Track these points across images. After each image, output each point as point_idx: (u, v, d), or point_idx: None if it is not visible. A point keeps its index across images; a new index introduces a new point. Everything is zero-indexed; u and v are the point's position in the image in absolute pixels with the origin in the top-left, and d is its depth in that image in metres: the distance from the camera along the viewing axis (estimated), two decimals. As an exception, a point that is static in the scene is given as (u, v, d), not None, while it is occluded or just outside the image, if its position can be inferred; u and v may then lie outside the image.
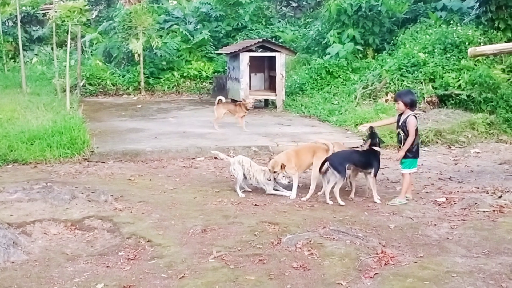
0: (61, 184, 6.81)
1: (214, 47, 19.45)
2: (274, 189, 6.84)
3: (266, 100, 15.14)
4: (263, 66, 15.49)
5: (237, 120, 11.16)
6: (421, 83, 12.49)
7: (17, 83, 15.41)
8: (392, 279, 4.28)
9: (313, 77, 15.19)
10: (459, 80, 12.11)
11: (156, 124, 11.87)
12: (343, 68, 15.21)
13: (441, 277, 4.29)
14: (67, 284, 4.27)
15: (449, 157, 9.17)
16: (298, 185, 6.90)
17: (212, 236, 5.26)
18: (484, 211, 6.03)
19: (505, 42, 12.25)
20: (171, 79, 18.36)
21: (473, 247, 5.00)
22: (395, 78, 12.97)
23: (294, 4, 24.86)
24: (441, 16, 15.30)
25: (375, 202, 6.45)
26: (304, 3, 24.56)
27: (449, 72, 12.46)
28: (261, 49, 15.04)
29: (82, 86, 16.40)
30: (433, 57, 13.10)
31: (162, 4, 23.07)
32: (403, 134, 6.40)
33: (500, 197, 6.59)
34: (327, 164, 6.41)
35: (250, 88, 14.51)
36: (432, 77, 12.60)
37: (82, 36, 18.72)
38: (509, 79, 12.14)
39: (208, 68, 18.93)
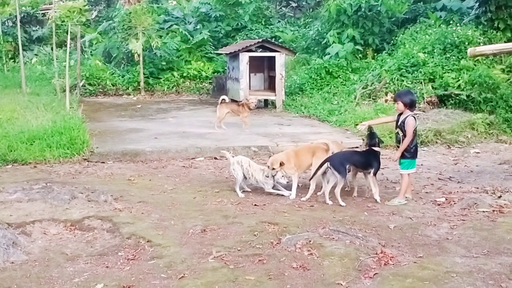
0: (61, 184, 6.82)
1: (213, 47, 19.45)
2: (274, 189, 6.84)
3: (265, 100, 15.13)
4: (263, 66, 15.49)
5: (242, 120, 11.09)
6: (421, 83, 12.49)
7: (16, 83, 15.40)
8: (392, 279, 4.28)
9: (312, 77, 15.19)
10: (459, 80, 12.12)
11: (156, 124, 11.87)
12: (342, 68, 15.21)
13: (441, 277, 4.29)
14: (67, 284, 4.27)
15: (448, 157, 9.17)
16: (298, 185, 6.90)
17: (211, 236, 5.26)
18: (483, 211, 6.03)
19: (505, 42, 12.25)
20: (171, 79, 18.35)
21: (472, 247, 5.01)
22: (394, 78, 12.97)
23: (294, 4, 24.87)
24: (440, 16, 15.30)
25: (376, 201, 6.45)
26: (303, 3, 24.57)
27: (448, 72, 12.46)
28: (260, 49, 15.04)
29: (82, 86, 16.40)
30: (432, 57, 13.10)
31: (162, 4, 23.08)
32: (402, 134, 6.40)
33: (499, 197, 6.59)
34: (327, 164, 6.41)
35: (249, 88, 14.52)
36: (431, 77, 12.60)
37: (82, 36, 18.71)
38: (508, 79, 12.14)
39: (208, 68, 18.93)
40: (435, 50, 13.30)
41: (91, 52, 20.70)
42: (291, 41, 19.20)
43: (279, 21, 21.80)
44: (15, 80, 16.01)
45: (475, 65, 12.45)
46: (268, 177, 6.74)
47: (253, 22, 20.74)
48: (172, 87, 18.20)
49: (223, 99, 11.15)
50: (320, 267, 4.52)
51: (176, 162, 8.69)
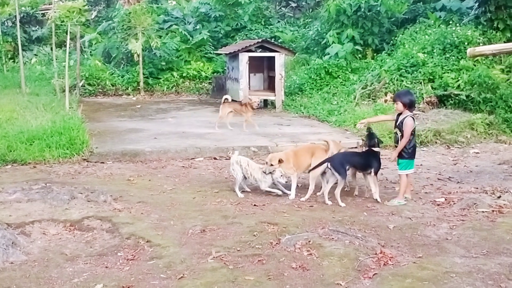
0: (60, 184, 6.82)
1: (213, 47, 19.45)
2: (274, 189, 6.82)
3: (265, 100, 15.13)
4: (263, 66, 15.49)
5: (247, 120, 11.05)
6: (420, 83, 12.50)
7: (16, 83, 15.40)
8: (391, 279, 4.29)
9: (312, 77, 15.18)
10: (458, 80, 12.12)
11: (155, 124, 11.87)
12: (342, 68, 15.21)
13: (440, 278, 4.29)
14: (66, 284, 4.27)
15: (448, 157, 9.17)
16: (297, 185, 6.90)
17: (211, 237, 5.26)
18: (483, 212, 6.03)
19: (504, 42, 12.26)
20: (170, 79, 18.35)
21: (472, 248, 5.01)
22: (394, 78, 12.98)
23: (293, 4, 24.88)
24: (440, 16, 15.30)
25: (376, 201, 6.45)
26: (303, 3, 24.58)
27: (448, 72, 12.47)
28: (260, 49, 15.05)
29: (81, 86, 16.40)
30: (432, 57, 13.11)
31: (162, 4, 23.08)
32: (400, 134, 6.41)
33: (499, 197, 6.59)
34: (327, 165, 6.42)
35: (249, 88, 14.52)
36: (431, 77, 12.61)
37: (82, 36, 18.72)
38: (508, 79, 12.15)
39: (208, 68, 18.92)
40: (434, 50, 13.31)
41: (90, 52, 20.69)
42: (290, 41, 19.21)
43: (278, 21, 21.81)
44: (15, 80, 16.00)
45: (475, 65, 12.46)
46: (265, 173, 6.67)
47: (253, 22, 20.74)
48: (172, 87, 18.20)
49: (226, 99, 11.16)
50: (320, 267, 4.52)
51: (175, 162, 8.68)
